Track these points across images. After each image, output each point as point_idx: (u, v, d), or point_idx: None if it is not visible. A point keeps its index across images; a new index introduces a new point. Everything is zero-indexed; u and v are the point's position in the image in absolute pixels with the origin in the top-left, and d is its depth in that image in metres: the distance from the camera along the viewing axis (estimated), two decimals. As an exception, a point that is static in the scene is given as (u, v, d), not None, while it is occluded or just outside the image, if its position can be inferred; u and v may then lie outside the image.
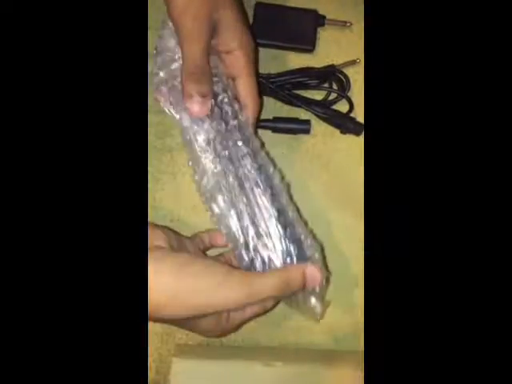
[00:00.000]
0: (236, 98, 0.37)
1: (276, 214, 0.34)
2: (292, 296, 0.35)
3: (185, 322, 0.32)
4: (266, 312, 0.36)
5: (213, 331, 0.34)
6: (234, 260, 0.37)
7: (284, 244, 0.34)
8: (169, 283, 0.29)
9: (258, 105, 0.38)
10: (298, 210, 0.38)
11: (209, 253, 0.41)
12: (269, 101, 0.44)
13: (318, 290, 0.34)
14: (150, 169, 0.43)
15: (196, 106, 0.34)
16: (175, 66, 0.36)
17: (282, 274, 0.32)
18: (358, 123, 0.44)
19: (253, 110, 0.37)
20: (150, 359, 0.42)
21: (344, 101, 0.44)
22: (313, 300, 0.35)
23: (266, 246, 0.34)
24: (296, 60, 0.45)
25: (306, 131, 0.44)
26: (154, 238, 0.32)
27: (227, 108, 0.36)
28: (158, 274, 0.29)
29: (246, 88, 0.37)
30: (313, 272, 0.33)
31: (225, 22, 0.35)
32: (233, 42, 0.36)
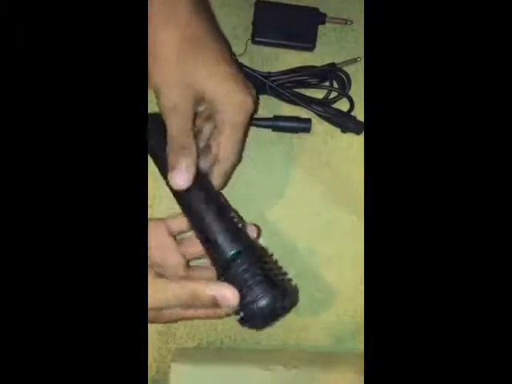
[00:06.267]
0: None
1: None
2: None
3: None
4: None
5: None
6: None
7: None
8: None
9: (230, 163, 0.37)
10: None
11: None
12: (269, 99, 0.44)
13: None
14: (150, 169, 0.43)
15: (179, 178, 0.34)
16: None
17: (189, 286, 0.32)
18: (359, 122, 0.43)
19: (223, 167, 0.36)
20: (150, 359, 0.42)
21: (345, 99, 0.44)
22: None
23: None
24: (296, 58, 0.44)
25: (307, 130, 0.44)
26: None
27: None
28: None
29: (224, 144, 0.36)
30: (224, 293, 0.32)
31: (210, 89, 0.34)
32: (220, 105, 0.34)
